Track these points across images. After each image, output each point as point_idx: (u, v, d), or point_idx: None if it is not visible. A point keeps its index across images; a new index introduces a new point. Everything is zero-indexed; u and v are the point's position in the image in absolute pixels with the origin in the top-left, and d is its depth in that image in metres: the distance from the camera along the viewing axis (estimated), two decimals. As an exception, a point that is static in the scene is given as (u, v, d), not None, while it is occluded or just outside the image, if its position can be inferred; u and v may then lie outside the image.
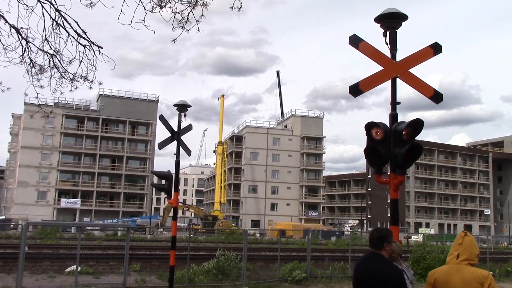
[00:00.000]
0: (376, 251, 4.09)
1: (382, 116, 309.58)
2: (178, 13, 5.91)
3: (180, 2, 5.87)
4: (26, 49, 6.43)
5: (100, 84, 6.89)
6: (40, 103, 6.94)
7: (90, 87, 6.84)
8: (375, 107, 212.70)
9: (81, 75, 6.62)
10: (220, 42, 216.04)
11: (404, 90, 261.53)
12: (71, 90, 6.78)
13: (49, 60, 6.57)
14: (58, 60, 6.56)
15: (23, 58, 6.46)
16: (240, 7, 5.76)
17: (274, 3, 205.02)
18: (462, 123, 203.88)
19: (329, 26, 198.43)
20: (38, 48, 6.42)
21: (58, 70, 6.63)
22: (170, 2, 5.89)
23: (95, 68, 6.57)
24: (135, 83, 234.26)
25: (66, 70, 6.64)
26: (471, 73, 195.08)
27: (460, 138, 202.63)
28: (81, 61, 6.47)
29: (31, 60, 6.53)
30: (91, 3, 5.82)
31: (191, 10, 5.87)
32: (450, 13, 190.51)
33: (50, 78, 6.63)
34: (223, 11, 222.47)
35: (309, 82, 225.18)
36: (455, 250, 3.75)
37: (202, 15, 5.90)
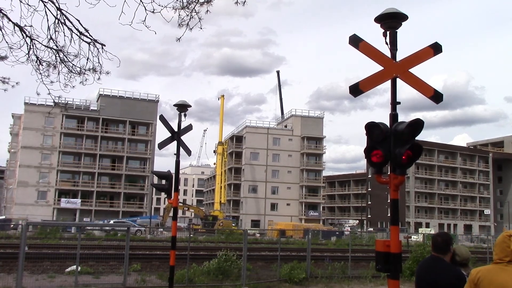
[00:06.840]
0: (439, 255, 4.21)
1: (384, 117, 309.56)
2: (184, 7, 5.87)
3: None
4: (31, 47, 6.42)
5: (108, 73, 6.84)
6: (53, 98, 6.86)
7: (99, 78, 6.79)
8: (378, 108, 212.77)
9: (89, 68, 6.63)
10: (226, 42, 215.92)
11: (407, 91, 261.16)
12: (81, 82, 6.77)
13: (56, 56, 6.56)
14: (64, 55, 6.57)
15: (29, 56, 6.44)
16: (244, 2, 5.74)
17: (282, 4, 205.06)
18: (465, 123, 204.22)
19: (332, 26, 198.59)
20: (43, 45, 6.40)
21: (65, 65, 6.62)
22: None
23: (101, 66, 6.59)
24: (140, 84, 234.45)
25: (74, 64, 6.64)
26: (475, 73, 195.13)
27: (462, 138, 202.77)
28: (88, 59, 6.48)
29: (37, 58, 6.51)
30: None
31: (196, 4, 5.84)
32: (454, 13, 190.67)
33: (58, 73, 6.63)
34: (230, 12, 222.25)
35: (313, 82, 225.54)
36: (506, 256, 3.40)
37: (207, 10, 5.88)
